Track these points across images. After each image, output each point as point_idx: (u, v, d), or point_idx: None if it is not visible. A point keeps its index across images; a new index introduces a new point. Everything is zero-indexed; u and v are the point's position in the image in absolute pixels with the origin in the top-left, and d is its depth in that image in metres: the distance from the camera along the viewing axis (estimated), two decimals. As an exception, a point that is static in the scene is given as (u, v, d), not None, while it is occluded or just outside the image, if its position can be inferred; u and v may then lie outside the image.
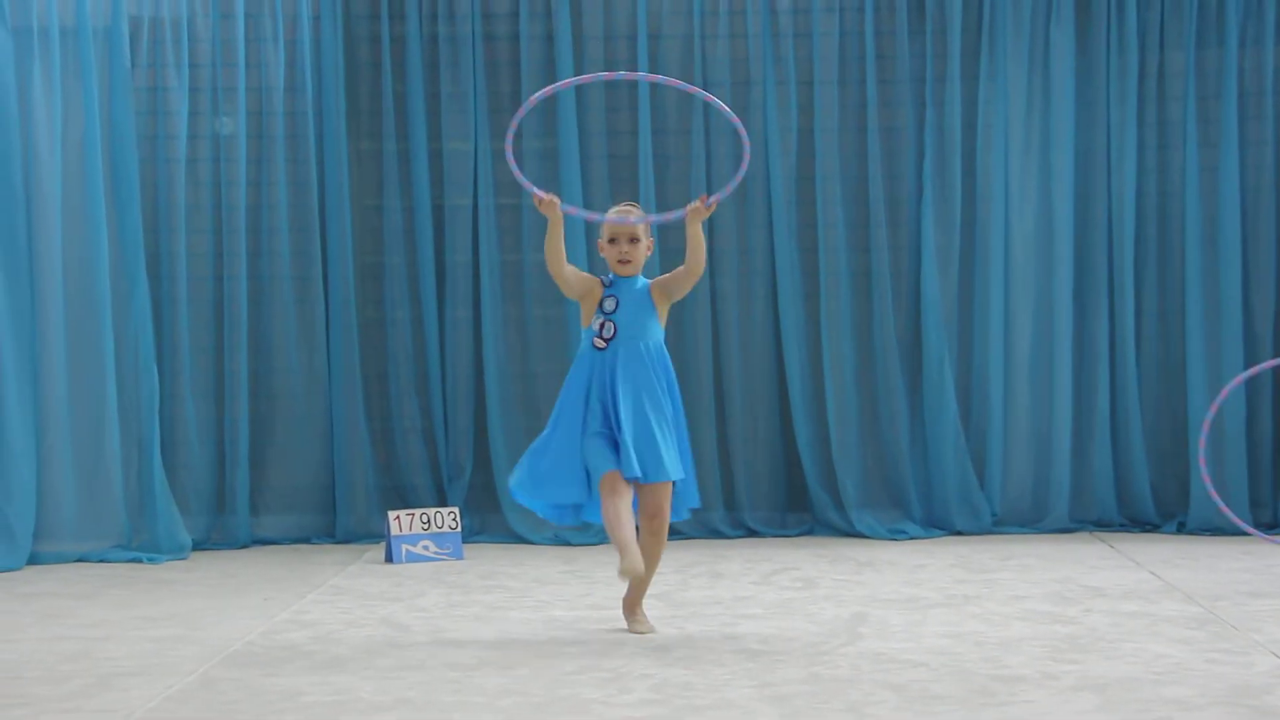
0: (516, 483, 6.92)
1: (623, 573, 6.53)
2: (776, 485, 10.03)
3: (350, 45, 10.01)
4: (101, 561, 9.26)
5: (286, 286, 9.90)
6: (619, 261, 6.79)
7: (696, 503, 7.11)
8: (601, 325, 6.77)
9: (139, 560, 9.25)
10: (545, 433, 6.91)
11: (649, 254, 6.89)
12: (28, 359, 9.36)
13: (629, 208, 6.92)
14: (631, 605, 6.96)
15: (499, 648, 6.67)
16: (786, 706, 5.54)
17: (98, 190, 9.47)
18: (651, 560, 6.79)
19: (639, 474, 6.66)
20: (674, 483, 6.78)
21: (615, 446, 6.68)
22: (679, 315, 9.77)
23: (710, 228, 9.84)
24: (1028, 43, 9.98)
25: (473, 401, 10.02)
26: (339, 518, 9.92)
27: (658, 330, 6.84)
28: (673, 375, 6.88)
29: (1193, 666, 6.14)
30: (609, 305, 6.78)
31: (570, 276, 6.85)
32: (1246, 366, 9.77)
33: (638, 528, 6.77)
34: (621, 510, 6.62)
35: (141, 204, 9.59)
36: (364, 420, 9.94)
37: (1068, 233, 9.93)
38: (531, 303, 10.01)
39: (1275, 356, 9.86)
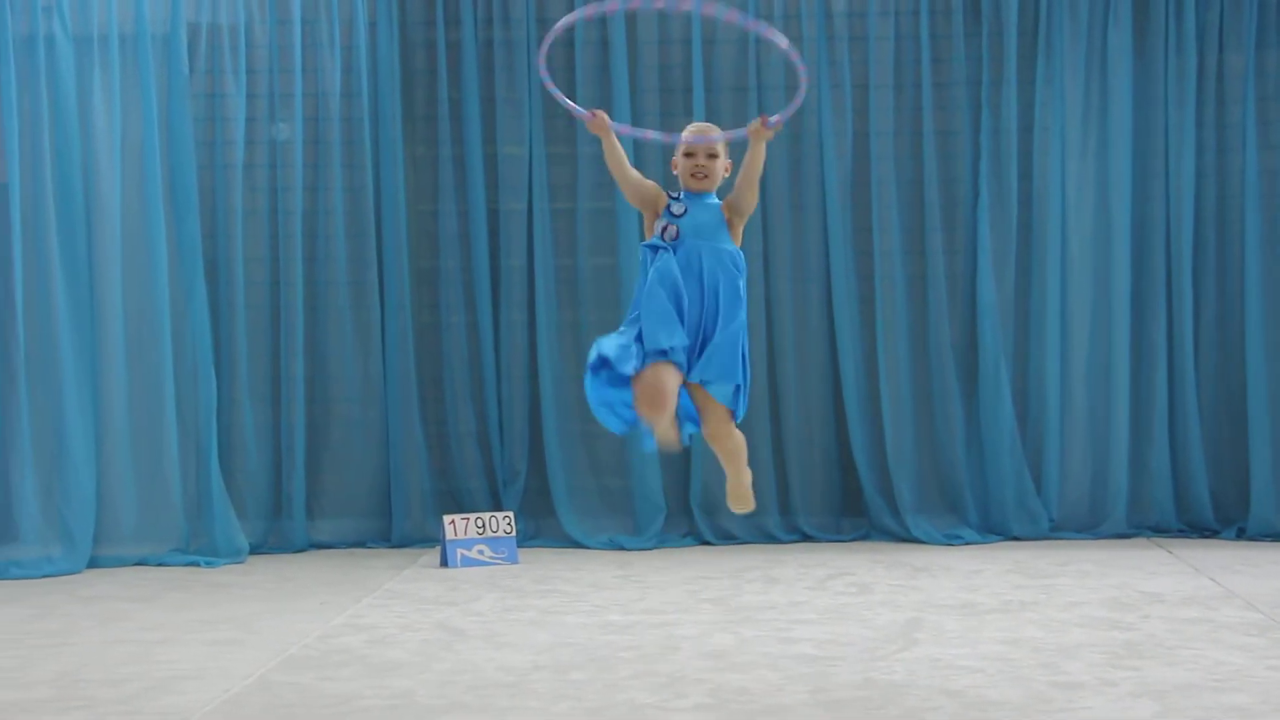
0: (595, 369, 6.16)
1: (659, 439, 6.13)
2: (831, 490, 10.00)
3: (406, 51, 10.04)
4: (160, 565, 9.32)
5: (342, 291, 9.94)
6: (692, 175, 6.20)
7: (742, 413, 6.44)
8: (664, 229, 6.18)
9: (197, 564, 9.31)
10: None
11: (726, 175, 6.30)
12: (87, 364, 9.43)
13: (707, 125, 6.43)
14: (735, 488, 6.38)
15: (554, 652, 6.68)
16: (842, 713, 5.54)
17: (156, 196, 9.53)
18: (738, 454, 6.28)
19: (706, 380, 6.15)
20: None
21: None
22: (734, 319, 9.77)
23: (765, 231, 9.86)
24: (1085, 45, 9.93)
25: (528, 405, 10.04)
26: (394, 522, 9.95)
27: (731, 243, 6.26)
28: (744, 295, 6.28)
29: (1253, 673, 6.10)
30: (676, 209, 6.20)
31: (635, 177, 6.31)
32: (1307, 371, 9.78)
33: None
34: (667, 382, 6.02)
35: (199, 209, 9.65)
36: (419, 424, 9.97)
37: (1125, 236, 9.89)
38: (587, 307, 10.02)
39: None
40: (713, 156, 6.23)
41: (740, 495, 6.38)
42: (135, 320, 9.55)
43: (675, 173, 6.27)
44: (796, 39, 9.96)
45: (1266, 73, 9.87)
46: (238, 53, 9.78)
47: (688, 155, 6.23)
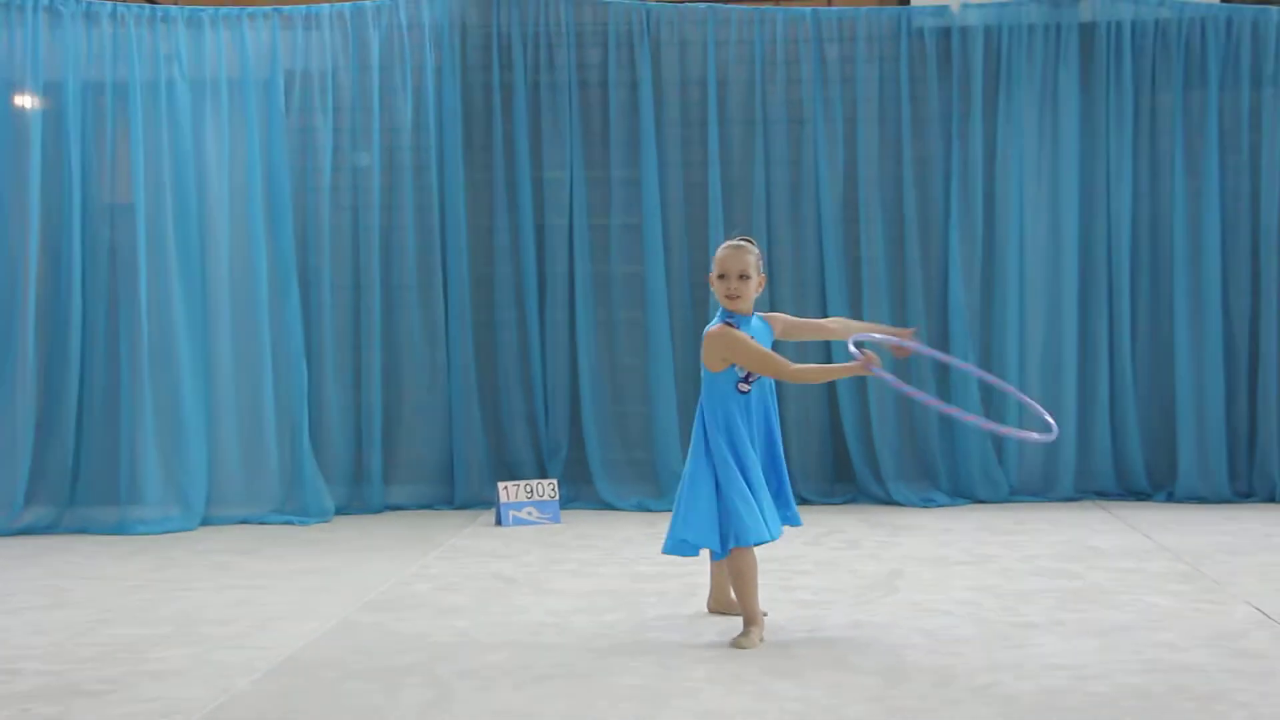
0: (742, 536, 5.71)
1: (745, 646, 5.66)
2: (825, 461, 10.01)
3: (467, 92, 10.06)
4: (260, 524, 9.33)
5: (413, 294, 9.95)
6: (726, 296, 5.71)
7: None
8: (747, 373, 5.72)
9: (291, 523, 9.33)
10: (720, 481, 5.73)
11: (759, 291, 5.84)
12: (200, 355, 9.47)
13: (743, 243, 5.79)
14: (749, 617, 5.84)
15: (591, 597, 6.70)
16: (834, 649, 5.55)
17: (257, 214, 9.56)
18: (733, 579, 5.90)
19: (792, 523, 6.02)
20: None
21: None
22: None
23: (770, 244, 9.86)
24: (1039, 86, 9.92)
25: (569, 390, 10.05)
26: (456, 488, 9.97)
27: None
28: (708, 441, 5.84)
29: (1180, 614, 6.11)
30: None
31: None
32: (1226, 362, 9.75)
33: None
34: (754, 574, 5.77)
35: (293, 225, 9.67)
36: (477, 406, 9.99)
37: (1073, 248, 9.87)
38: (618, 307, 10.04)
39: (1250, 353, 9.80)
40: (744, 277, 5.70)
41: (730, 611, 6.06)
42: (239, 318, 9.58)
43: (710, 287, 5.83)
44: (796, 81, 9.98)
45: (1192, 110, 9.86)
46: (326, 94, 9.80)
47: (721, 278, 5.72)
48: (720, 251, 5.77)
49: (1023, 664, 5.29)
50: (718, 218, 9.86)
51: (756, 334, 5.75)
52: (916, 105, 9.98)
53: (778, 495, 5.90)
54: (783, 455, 6.00)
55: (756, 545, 5.70)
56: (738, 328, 5.70)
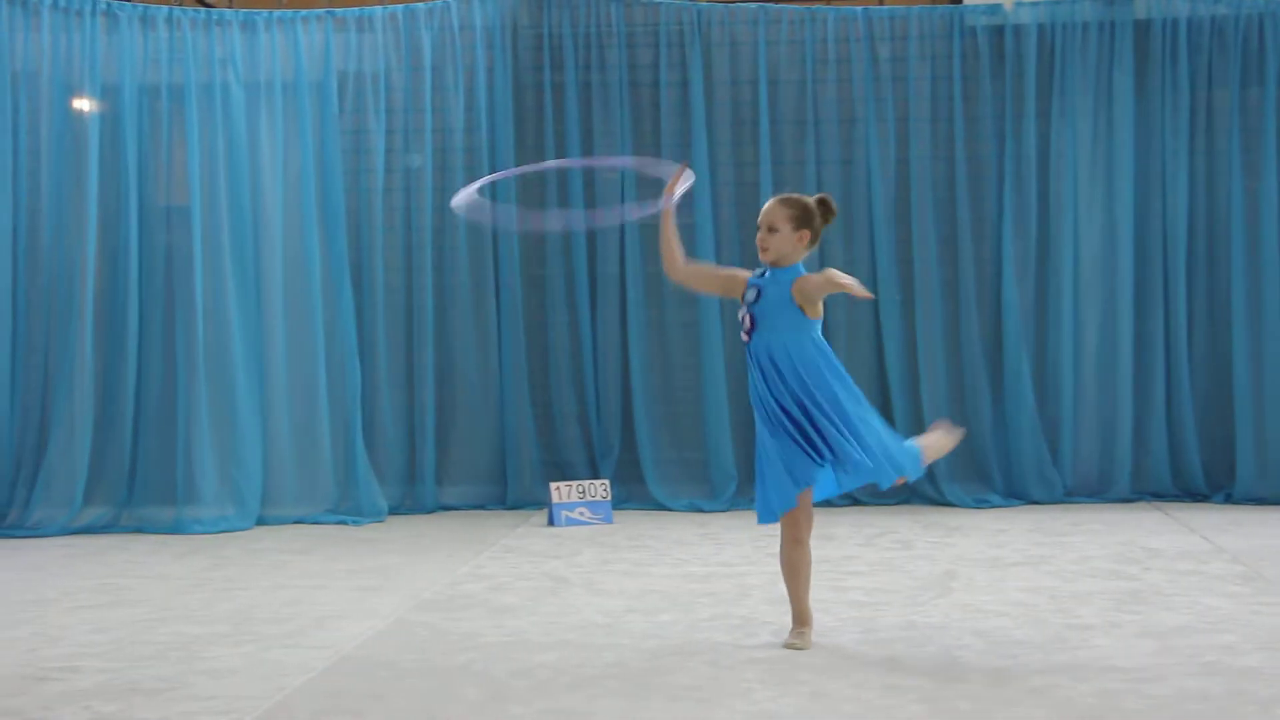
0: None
1: (798, 646, 5.51)
2: (878, 461, 9.97)
3: (518, 92, 10.07)
4: (315, 523, 9.38)
5: (465, 294, 9.98)
6: (759, 248, 5.56)
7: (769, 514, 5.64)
8: (742, 318, 5.57)
9: (345, 523, 9.36)
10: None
11: (801, 245, 5.55)
12: (254, 355, 9.52)
13: (785, 197, 5.63)
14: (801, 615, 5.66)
15: (643, 598, 6.69)
16: (887, 650, 5.52)
17: (311, 215, 9.61)
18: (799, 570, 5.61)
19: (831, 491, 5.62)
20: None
21: (807, 447, 5.46)
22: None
23: (822, 243, 9.78)
24: (1094, 84, 9.85)
25: (620, 391, 10.05)
26: (509, 488, 9.98)
27: (798, 324, 5.50)
28: (823, 368, 5.54)
29: (1238, 617, 6.04)
30: (750, 295, 5.56)
31: (705, 278, 5.80)
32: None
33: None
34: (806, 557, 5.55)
35: (346, 226, 9.72)
36: (530, 406, 10.00)
37: (1128, 247, 9.80)
38: (670, 307, 10.03)
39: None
40: (772, 230, 5.53)
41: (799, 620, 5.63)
42: (294, 319, 9.63)
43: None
44: (847, 81, 9.95)
45: (1249, 107, 9.77)
46: (378, 96, 9.84)
47: (758, 229, 5.59)
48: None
49: (1079, 666, 5.23)
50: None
51: (780, 291, 5.48)
52: (969, 104, 9.92)
53: (811, 451, 5.46)
54: (818, 409, 5.47)
55: (774, 519, 5.51)
56: (762, 275, 5.56)
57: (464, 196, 5.79)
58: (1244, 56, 9.74)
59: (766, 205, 5.62)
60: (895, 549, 8.02)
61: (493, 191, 9.89)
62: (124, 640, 5.92)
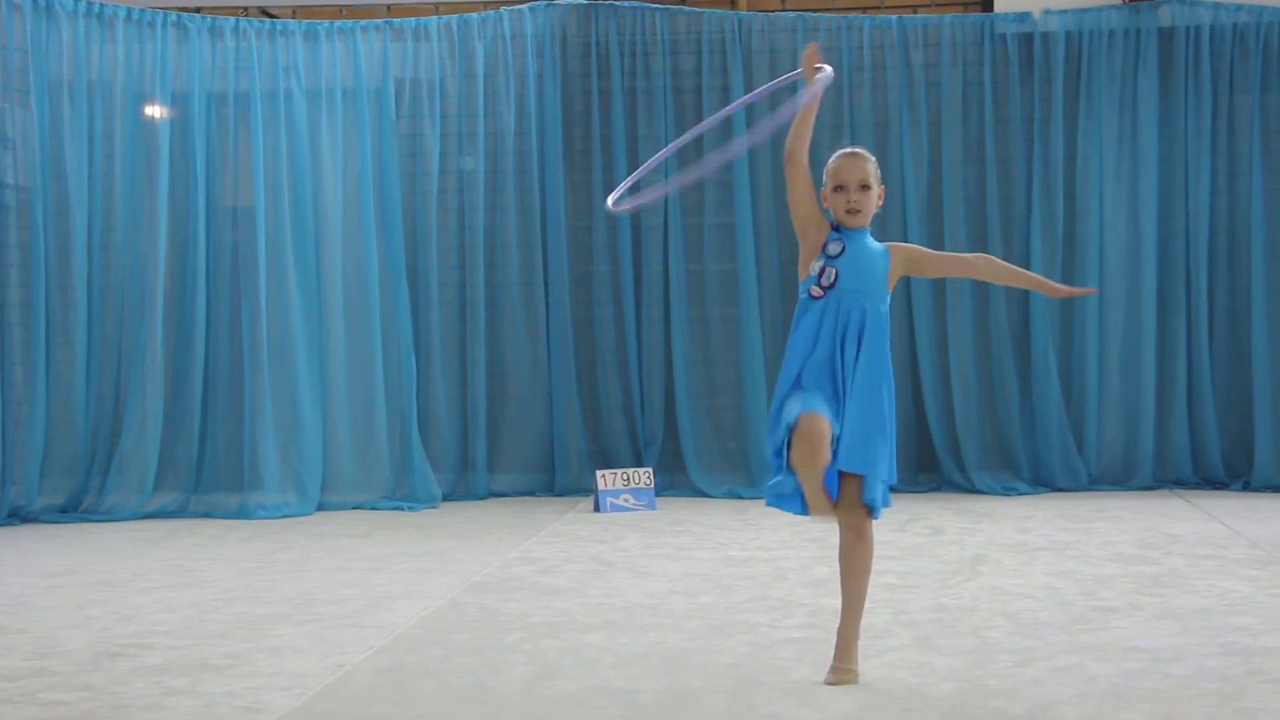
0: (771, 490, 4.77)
1: (839, 679, 4.69)
2: (909, 450, 9.94)
3: (566, 98, 10.10)
4: (372, 509, 9.44)
5: (515, 292, 10.01)
6: (846, 211, 4.68)
7: (887, 502, 4.83)
8: (821, 270, 4.64)
9: (401, 509, 9.41)
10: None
11: (879, 205, 4.79)
12: (315, 350, 9.58)
13: (857, 150, 4.80)
14: (846, 644, 4.77)
15: (685, 580, 6.69)
16: (919, 630, 5.52)
17: (369, 216, 9.66)
18: (859, 572, 4.75)
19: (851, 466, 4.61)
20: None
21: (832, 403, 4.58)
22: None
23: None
24: (1119, 88, 9.80)
25: (663, 384, 10.07)
26: (557, 476, 10.02)
27: (882, 293, 4.69)
28: (888, 348, 4.70)
29: (1257, 600, 6.00)
30: (833, 248, 4.66)
31: (805, 188, 4.72)
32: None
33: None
34: (820, 451, 4.48)
35: (403, 226, 9.77)
36: (577, 398, 10.03)
37: (1152, 245, 9.76)
38: (711, 304, 10.04)
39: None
40: (865, 187, 4.70)
41: (844, 656, 4.71)
42: (353, 315, 9.68)
43: (825, 204, 4.76)
44: (882, 86, 9.93)
45: (1270, 111, 9.72)
46: (434, 101, 9.88)
47: (837, 190, 4.70)
48: (834, 161, 4.75)
49: (1103, 646, 5.22)
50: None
51: (870, 253, 4.68)
52: (999, 108, 9.89)
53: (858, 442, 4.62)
54: (882, 387, 4.65)
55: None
56: (837, 234, 4.69)
57: (616, 196, 5.08)
58: (1264, 62, 9.68)
59: (846, 160, 4.72)
60: (926, 534, 8.01)
61: (542, 203, 9.91)
62: (192, 619, 5.97)
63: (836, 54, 9.92)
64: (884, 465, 4.64)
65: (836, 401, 4.59)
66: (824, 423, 4.51)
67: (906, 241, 9.79)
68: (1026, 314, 9.85)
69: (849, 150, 4.79)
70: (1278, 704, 4.46)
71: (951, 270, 5.41)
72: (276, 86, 9.58)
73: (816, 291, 4.64)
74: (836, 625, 4.81)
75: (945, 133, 9.89)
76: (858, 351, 4.60)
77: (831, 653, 4.82)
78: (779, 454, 4.65)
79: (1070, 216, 9.86)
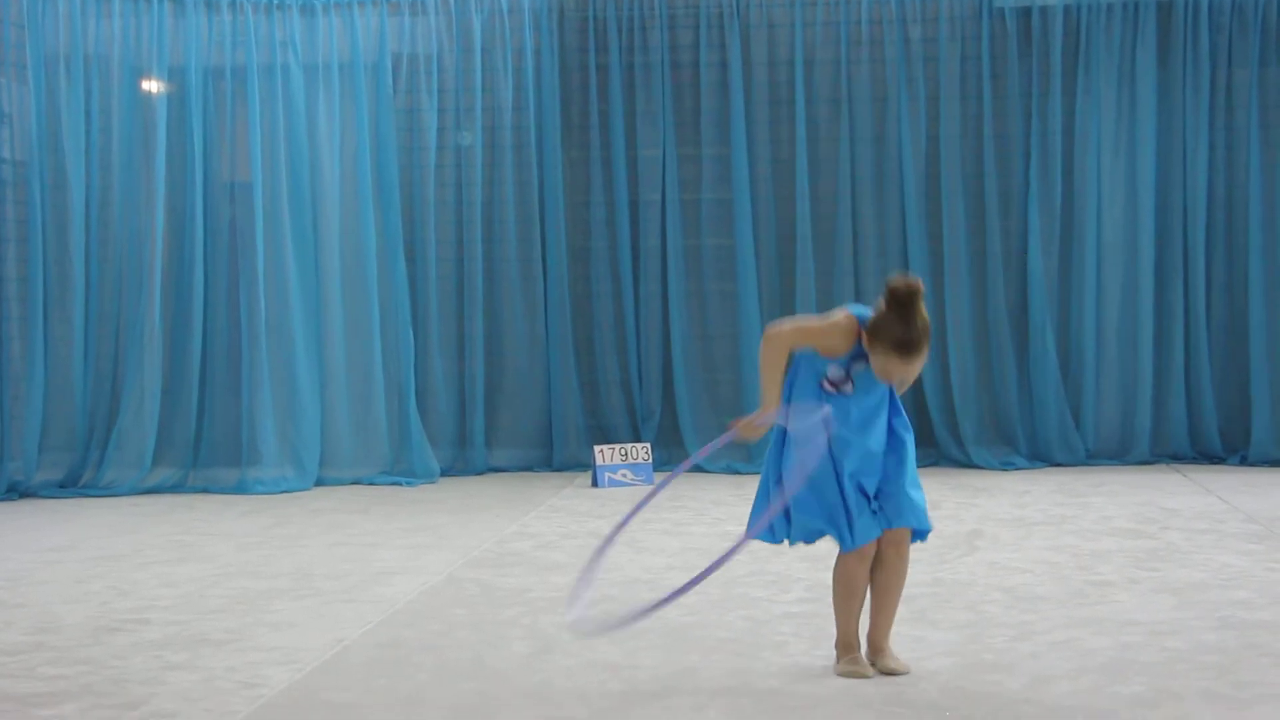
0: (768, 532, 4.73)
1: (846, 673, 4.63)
2: (907, 425, 9.95)
3: (564, 73, 10.06)
4: (370, 484, 9.44)
5: (513, 267, 9.99)
6: (886, 379, 4.63)
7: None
8: (839, 376, 4.58)
9: (399, 484, 9.42)
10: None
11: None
12: (313, 326, 9.57)
13: (924, 348, 4.60)
14: (878, 642, 4.70)
15: (683, 555, 6.70)
16: (916, 604, 5.52)
17: (366, 191, 9.64)
18: (899, 586, 4.72)
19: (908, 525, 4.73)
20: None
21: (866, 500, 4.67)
22: (829, 286, 9.73)
23: (854, 216, 9.83)
24: (1117, 63, 9.77)
25: (661, 359, 10.05)
26: (555, 451, 10.01)
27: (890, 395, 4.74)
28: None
29: (1253, 574, 6.01)
30: (858, 367, 4.60)
31: (820, 339, 4.62)
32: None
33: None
34: (862, 592, 4.66)
35: (400, 201, 9.74)
36: (575, 373, 10.02)
37: (1149, 220, 9.74)
38: (709, 279, 10.02)
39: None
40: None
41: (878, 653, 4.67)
42: (350, 290, 9.67)
43: (866, 346, 4.55)
44: (880, 61, 9.90)
45: (1268, 86, 9.69)
46: (431, 76, 9.85)
47: (892, 367, 4.53)
48: (898, 349, 4.52)
49: (1100, 620, 5.22)
50: (804, 193, 9.81)
51: (880, 391, 4.70)
52: (997, 83, 9.86)
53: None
54: (909, 440, 4.84)
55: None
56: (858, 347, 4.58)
57: (577, 612, 4.91)
58: (1263, 36, 9.64)
59: (913, 362, 4.55)
60: (924, 509, 8.00)
61: (540, 178, 9.89)
62: (191, 594, 5.97)
63: (834, 29, 9.88)
64: (924, 503, 4.74)
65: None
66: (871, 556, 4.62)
67: (903, 220, 9.82)
68: (1024, 289, 9.83)
69: (918, 346, 4.55)
70: (1274, 677, 4.47)
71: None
72: (274, 61, 9.54)
73: (828, 387, 4.58)
74: (832, 604, 4.70)
75: (943, 108, 9.85)
76: (879, 407, 4.65)
77: (830, 628, 4.82)
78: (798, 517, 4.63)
79: (1068, 191, 9.84)
